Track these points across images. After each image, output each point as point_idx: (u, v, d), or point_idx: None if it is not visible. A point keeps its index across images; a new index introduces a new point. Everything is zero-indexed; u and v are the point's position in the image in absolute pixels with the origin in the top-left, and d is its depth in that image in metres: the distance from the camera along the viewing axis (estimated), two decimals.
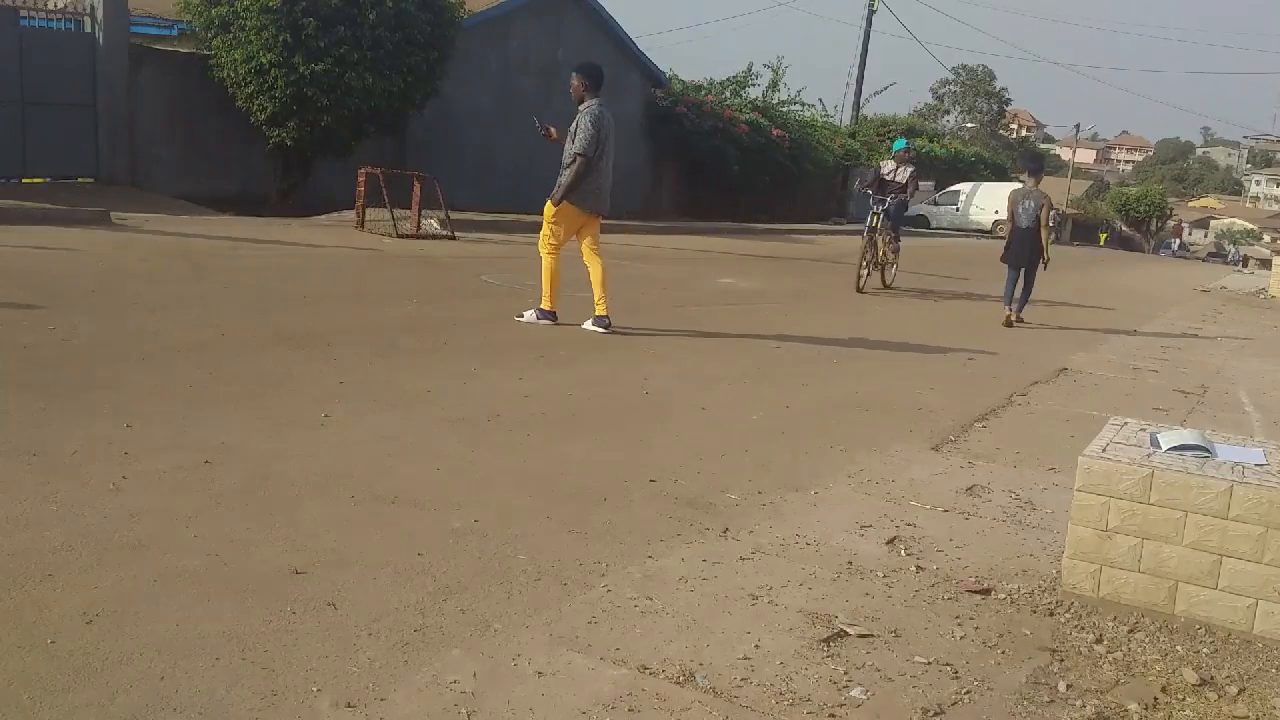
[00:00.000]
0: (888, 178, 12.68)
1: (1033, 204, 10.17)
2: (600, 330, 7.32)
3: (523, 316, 7.47)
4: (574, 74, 7.54)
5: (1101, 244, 35.30)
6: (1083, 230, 39.48)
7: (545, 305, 7.48)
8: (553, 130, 7.67)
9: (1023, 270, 10.25)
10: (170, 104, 13.86)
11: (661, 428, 5.01)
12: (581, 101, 7.43)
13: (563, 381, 5.79)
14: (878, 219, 12.23)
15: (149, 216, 11.09)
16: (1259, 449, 3.36)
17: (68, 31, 12.89)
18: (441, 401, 5.08)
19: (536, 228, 15.71)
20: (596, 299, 7.38)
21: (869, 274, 12.17)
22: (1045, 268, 10.34)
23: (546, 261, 7.45)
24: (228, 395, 4.76)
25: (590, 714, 2.36)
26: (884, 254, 12.51)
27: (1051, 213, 10.31)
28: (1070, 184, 55.51)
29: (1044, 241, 10.14)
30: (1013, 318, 10.20)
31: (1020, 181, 14.63)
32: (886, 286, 12.60)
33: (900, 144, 13.28)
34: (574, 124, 7.35)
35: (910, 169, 12.66)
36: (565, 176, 7.27)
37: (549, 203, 7.37)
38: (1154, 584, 3.10)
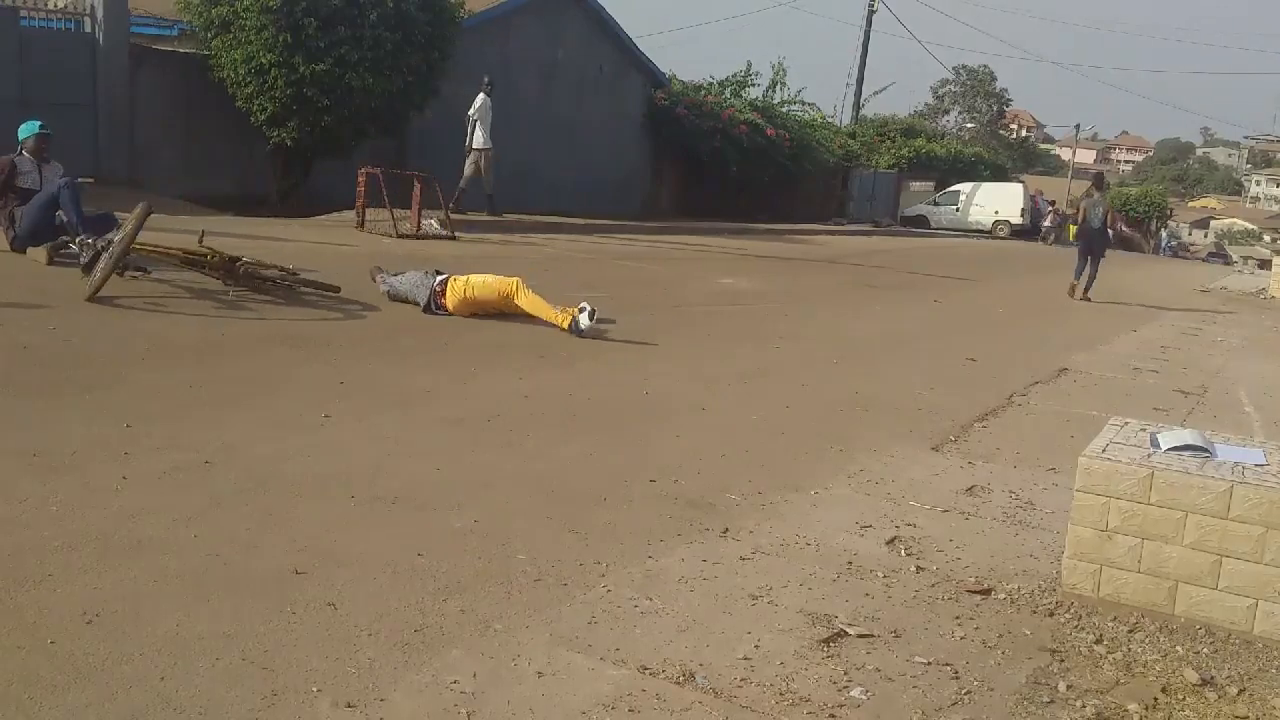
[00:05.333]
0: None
1: (1100, 209, 13.80)
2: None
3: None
4: None
5: (1072, 239, 35.25)
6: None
7: None
8: None
9: (1090, 258, 13.61)
10: (170, 104, 13.84)
11: (661, 428, 5.01)
12: None
13: (563, 381, 5.79)
14: None
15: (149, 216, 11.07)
16: (1259, 449, 3.36)
17: (68, 31, 12.87)
18: (441, 401, 5.08)
19: (537, 228, 15.76)
20: None
21: None
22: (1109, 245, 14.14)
23: None
24: (228, 395, 4.76)
25: (590, 714, 2.36)
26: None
27: (1096, 212, 13.97)
28: (1070, 184, 55.49)
29: (1107, 229, 14.11)
30: (1079, 294, 13.48)
31: (1018, 180, 16.94)
32: None
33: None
34: None
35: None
36: None
37: None
38: (1154, 584, 3.10)
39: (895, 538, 3.70)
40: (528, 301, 7.26)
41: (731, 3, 50.59)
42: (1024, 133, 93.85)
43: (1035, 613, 3.14)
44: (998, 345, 8.79)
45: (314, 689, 2.34)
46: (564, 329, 7.02)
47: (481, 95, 15.11)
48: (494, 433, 4.62)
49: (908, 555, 3.54)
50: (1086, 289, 13.55)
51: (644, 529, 3.56)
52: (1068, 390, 6.96)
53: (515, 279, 7.41)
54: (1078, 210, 14.64)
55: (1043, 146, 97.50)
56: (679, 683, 2.53)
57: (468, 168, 15.09)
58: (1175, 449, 3.25)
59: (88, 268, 6.68)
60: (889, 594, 3.20)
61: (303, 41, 12.80)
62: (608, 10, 20.53)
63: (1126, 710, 2.58)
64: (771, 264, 15.00)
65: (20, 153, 7.91)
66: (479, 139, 15.04)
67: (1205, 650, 2.94)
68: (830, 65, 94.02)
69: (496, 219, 15.11)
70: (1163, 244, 44.88)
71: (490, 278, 7.48)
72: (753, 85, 25.07)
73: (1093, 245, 13.73)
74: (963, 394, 6.46)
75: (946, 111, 72.71)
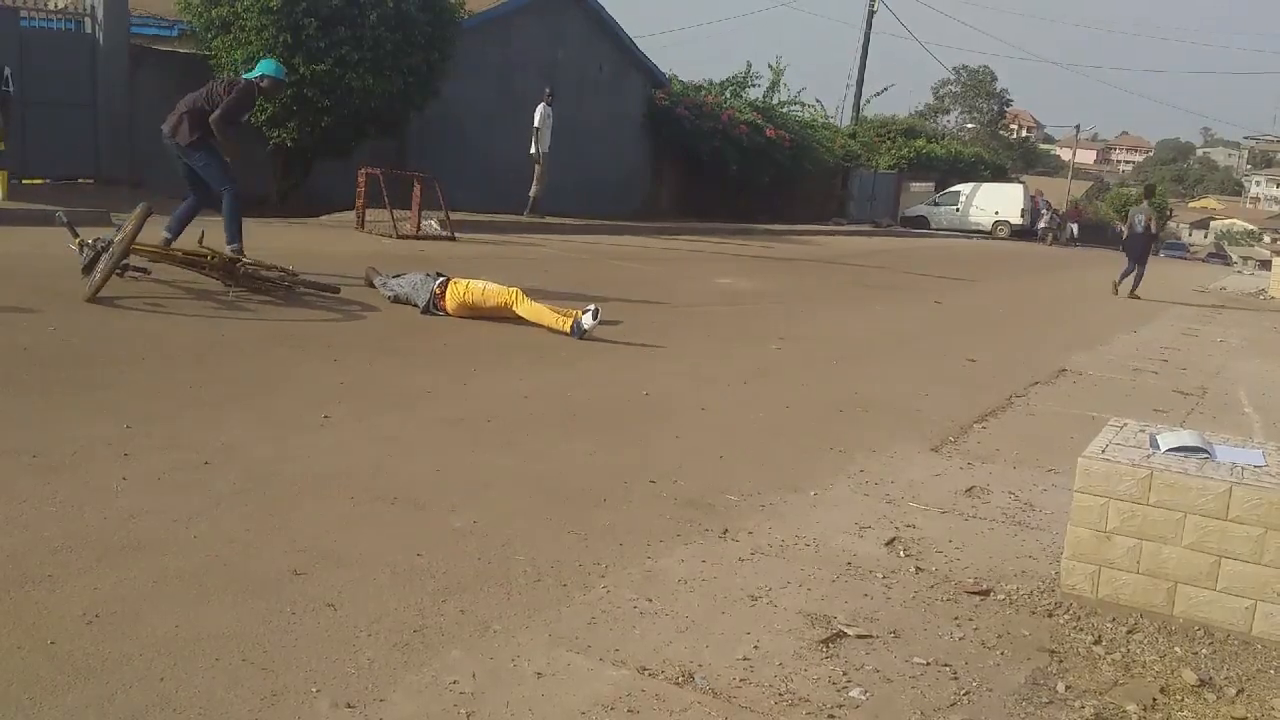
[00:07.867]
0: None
1: (1143, 216, 15.09)
2: None
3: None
4: None
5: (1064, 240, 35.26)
6: (1087, 231, 39.29)
7: None
8: None
9: (1136, 261, 14.84)
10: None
11: (661, 428, 5.01)
12: None
13: (562, 381, 5.79)
14: None
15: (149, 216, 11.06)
16: (1258, 450, 3.36)
17: (68, 32, 12.88)
18: (441, 401, 5.09)
19: (535, 228, 15.74)
20: None
21: None
22: (1152, 253, 15.70)
23: None
24: (228, 395, 4.77)
25: (590, 714, 2.36)
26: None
27: (1139, 219, 15.29)
28: (1070, 184, 55.45)
29: (1151, 234, 15.31)
30: (1127, 293, 14.62)
31: (1018, 180, 17.49)
32: None
33: None
34: None
35: None
36: None
37: None
38: (1153, 585, 3.10)
39: (894, 538, 3.70)
40: (528, 311, 7.22)
41: (731, 3, 50.66)
42: (1024, 133, 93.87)
43: (1034, 613, 3.15)
44: (998, 345, 8.79)
45: (314, 689, 2.34)
46: (566, 333, 7.01)
47: (541, 105, 16.06)
48: (494, 433, 4.62)
49: (907, 556, 3.55)
50: (1135, 286, 14.88)
51: (644, 530, 3.56)
52: (1067, 391, 6.96)
53: (515, 289, 7.35)
54: (1125, 217, 16.97)
55: (1043, 147, 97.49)
56: (678, 683, 2.53)
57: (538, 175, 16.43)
58: (1175, 450, 3.25)
59: (88, 268, 6.68)
60: (888, 595, 3.20)
61: (303, 42, 12.81)
62: (608, 10, 20.54)
63: (1125, 711, 2.58)
64: (771, 264, 15.01)
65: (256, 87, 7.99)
66: (532, 146, 16.23)
67: (1204, 651, 2.94)
68: (830, 66, 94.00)
69: (531, 219, 16.16)
70: (1168, 247, 44.64)
71: (491, 286, 7.41)
72: (753, 86, 25.11)
73: (1135, 248, 15.13)
74: (963, 394, 6.46)
75: (947, 112, 72.76)
